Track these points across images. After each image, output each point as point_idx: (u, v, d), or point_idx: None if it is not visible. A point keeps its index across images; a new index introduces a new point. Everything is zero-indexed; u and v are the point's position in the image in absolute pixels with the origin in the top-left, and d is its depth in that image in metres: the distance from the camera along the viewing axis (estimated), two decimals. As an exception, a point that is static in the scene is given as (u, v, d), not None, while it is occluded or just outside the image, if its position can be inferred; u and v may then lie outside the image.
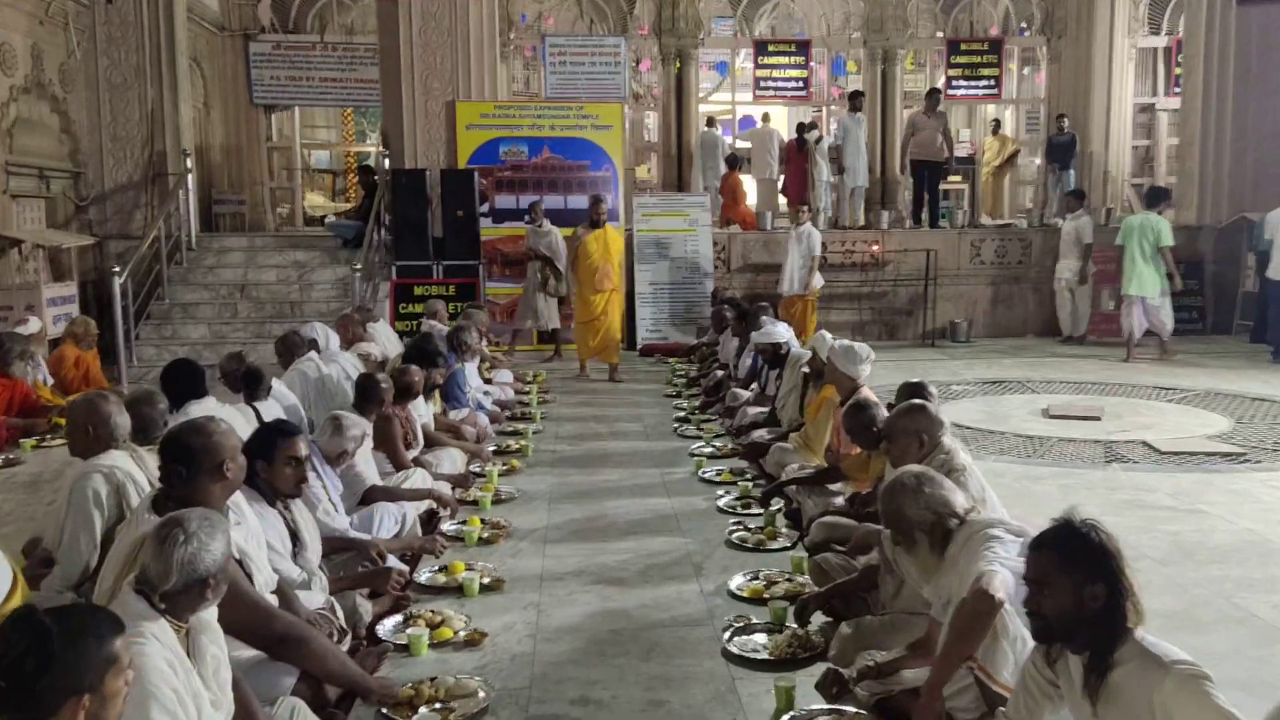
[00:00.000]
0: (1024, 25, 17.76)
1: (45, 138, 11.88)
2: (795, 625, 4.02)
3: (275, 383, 6.34)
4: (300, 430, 4.01)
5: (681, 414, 8.65)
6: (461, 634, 4.10)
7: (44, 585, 3.94)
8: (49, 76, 11.87)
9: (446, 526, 5.54)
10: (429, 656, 3.95)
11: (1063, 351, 12.33)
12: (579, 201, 12.59)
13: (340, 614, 3.79)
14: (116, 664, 2.17)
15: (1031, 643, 2.62)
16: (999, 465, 6.85)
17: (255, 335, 11.34)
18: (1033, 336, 13.53)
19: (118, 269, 10.78)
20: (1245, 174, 13.61)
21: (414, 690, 3.53)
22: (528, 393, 9.53)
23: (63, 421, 5.73)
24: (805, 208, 12.32)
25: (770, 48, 16.59)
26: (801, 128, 14.40)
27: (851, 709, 3.29)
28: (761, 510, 5.72)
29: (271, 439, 3.94)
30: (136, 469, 4.07)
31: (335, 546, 4.35)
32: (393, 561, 4.57)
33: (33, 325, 8.85)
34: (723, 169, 14.98)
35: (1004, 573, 2.77)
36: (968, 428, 7.95)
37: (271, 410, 5.95)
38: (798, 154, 14.11)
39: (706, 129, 15.77)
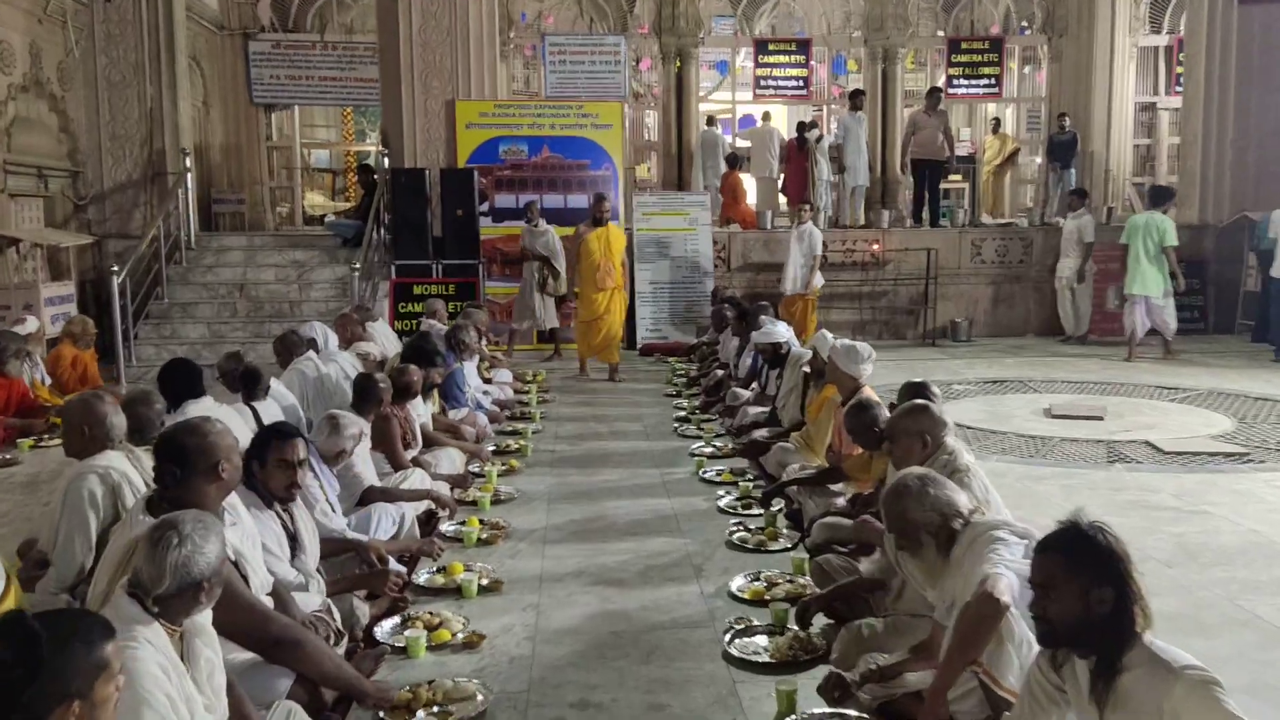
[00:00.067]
0: (1025, 24, 17.72)
1: (44, 136, 11.85)
2: (796, 627, 3.99)
3: (273, 382, 6.30)
4: (298, 433, 3.96)
5: (682, 414, 8.62)
6: (460, 636, 4.06)
7: (39, 587, 3.91)
8: (47, 75, 11.84)
9: (445, 527, 5.51)
10: (427, 659, 3.91)
11: (1064, 351, 12.30)
12: (579, 201, 12.57)
13: (337, 616, 3.75)
14: (107, 670, 2.14)
15: (1037, 647, 2.58)
16: (1001, 465, 6.82)
17: (254, 335, 11.32)
18: (1033, 336, 13.49)
19: (116, 268, 10.76)
20: (1247, 173, 13.58)
21: (411, 693, 3.49)
22: (527, 392, 9.50)
23: (60, 421, 5.70)
24: (807, 206, 12.28)
25: (770, 46, 16.55)
26: (802, 127, 14.36)
27: (854, 713, 3.25)
28: (762, 511, 5.68)
29: (266, 440, 3.90)
30: (132, 469, 4.04)
31: (333, 548, 4.31)
32: (390, 563, 4.53)
33: (30, 325, 8.81)
34: (723, 168, 14.96)
35: (1009, 575, 2.73)
36: (969, 427, 7.92)
37: (269, 410, 5.92)
38: (798, 153, 14.06)
39: (707, 128, 15.73)
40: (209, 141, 15.33)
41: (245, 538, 3.34)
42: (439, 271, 12.19)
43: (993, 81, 16.73)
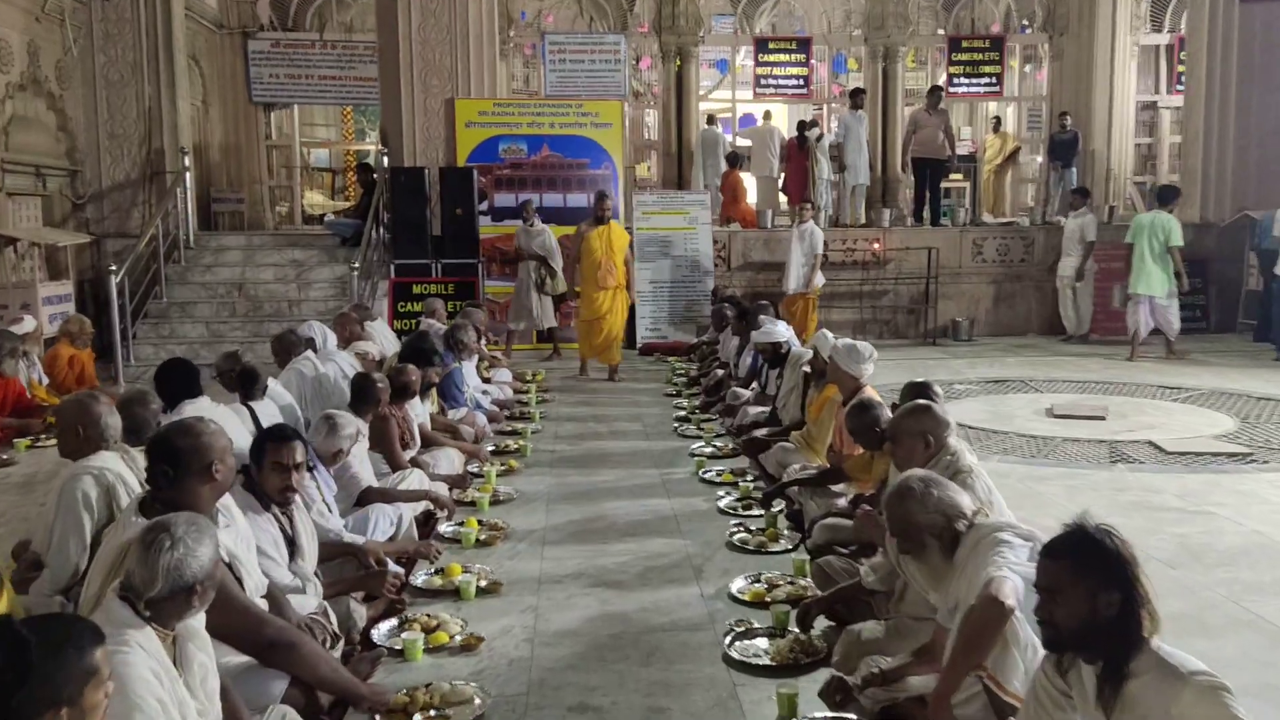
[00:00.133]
0: (1026, 23, 17.69)
1: (42, 135, 11.81)
2: (798, 630, 3.95)
3: (271, 382, 6.27)
4: (296, 436, 3.91)
5: (682, 413, 8.58)
6: (457, 638, 4.03)
7: (33, 589, 3.88)
8: (45, 73, 11.80)
9: (443, 528, 5.48)
10: (424, 662, 3.88)
11: (1066, 350, 12.26)
12: (578, 200, 12.54)
13: (333, 619, 3.71)
14: (96, 676, 2.10)
15: (1042, 651, 2.54)
16: (1003, 466, 6.78)
17: (253, 334, 11.28)
18: (1035, 335, 13.46)
19: (114, 267, 10.73)
20: (1248, 171, 13.55)
21: (408, 697, 3.46)
22: (526, 392, 9.46)
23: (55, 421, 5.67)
24: (808, 205, 12.25)
25: (771, 45, 16.50)
26: (802, 125, 14.32)
27: (855, 717, 3.22)
28: (763, 512, 5.65)
29: (262, 443, 3.87)
30: (127, 470, 4.00)
31: (330, 553, 4.27)
32: (388, 564, 4.49)
33: (27, 324, 8.77)
34: (723, 167, 14.92)
35: (1014, 578, 2.69)
36: (971, 427, 7.88)
37: (267, 410, 5.88)
38: (798, 152, 14.03)
39: (707, 127, 15.69)
40: (208, 140, 15.29)
41: (239, 540, 3.30)
42: (438, 271, 12.15)
43: (993, 80, 16.69)
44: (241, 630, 3.02)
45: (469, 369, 8.39)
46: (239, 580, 3.09)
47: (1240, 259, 13.37)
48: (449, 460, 6.50)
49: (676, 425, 8.20)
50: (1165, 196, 11.83)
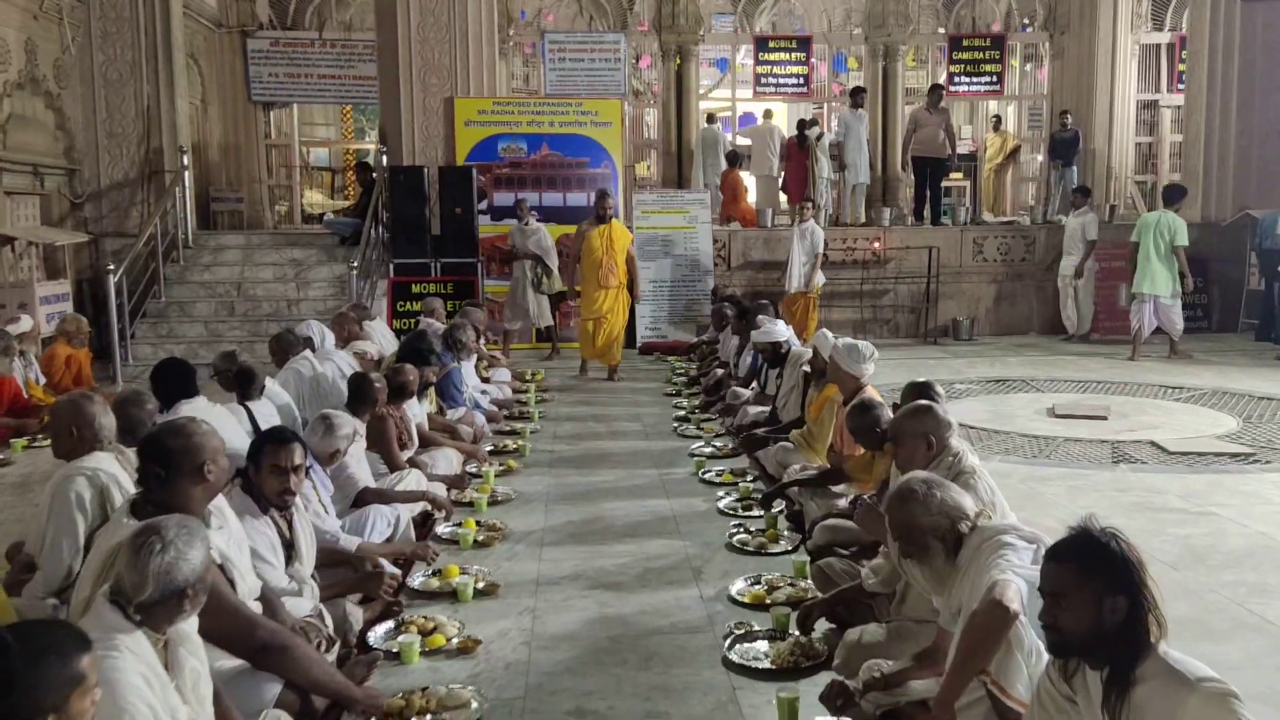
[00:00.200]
0: (1026, 21, 17.65)
1: (39, 134, 11.77)
2: (798, 632, 3.91)
3: (268, 381, 6.23)
4: (295, 438, 3.87)
5: (681, 413, 8.55)
6: (454, 641, 3.99)
7: (26, 591, 3.84)
8: (43, 72, 11.76)
9: (441, 529, 5.44)
10: (420, 665, 3.84)
11: (1067, 350, 12.22)
12: (578, 199, 12.51)
13: (329, 621, 3.67)
14: (83, 683, 2.06)
15: (1046, 656, 2.50)
16: (1005, 466, 6.74)
17: (252, 334, 11.24)
18: (1036, 334, 13.43)
19: (113, 267, 10.69)
20: (1249, 171, 13.51)
21: (404, 701, 3.42)
22: (525, 391, 9.42)
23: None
24: (809, 204, 12.22)
25: (771, 44, 16.45)
26: (803, 124, 14.29)
27: (857, 722, 3.18)
28: (762, 512, 5.61)
29: (260, 445, 3.83)
30: (121, 471, 3.96)
31: (332, 560, 4.22)
32: (385, 565, 4.45)
33: (24, 324, 8.73)
34: (723, 166, 14.87)
35: (1017, 582, 2.65)
36: (972, 427, 7.84)
37: (264, 410, 5.85)
38: (799, 151, 14.00)
39: (707, 126, 15.64)
40: (207, 140, 15.25)
41: (232, 542, 3.26)
42: (437, 270, 12.10)
43: (994, 79, 16.63)
44: (233, 633, 2.98)
45: (468, 369, 8.35)
46: (231, 582, 3.05)
47: (1242, 258, 13.33)
48: (447, 460, 6.46)
49: (676, 425, 8.16)
50: (1171, 196, 11.76)
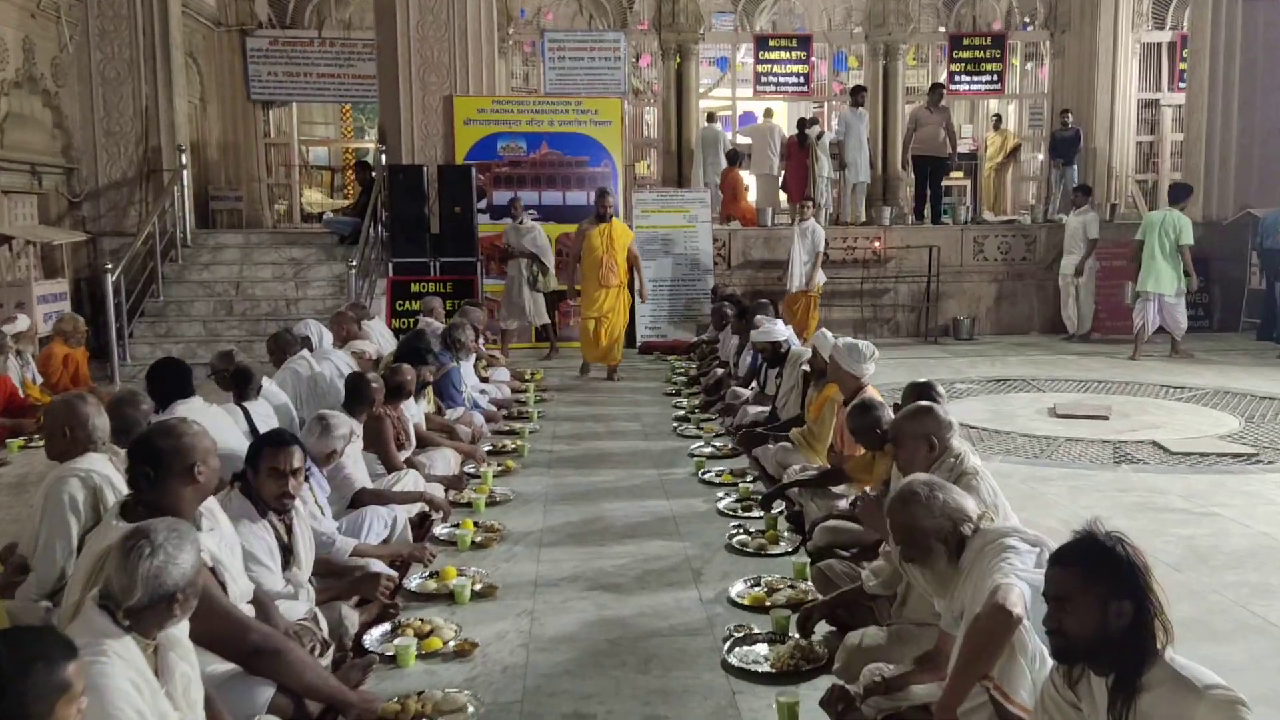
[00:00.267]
0: (1027, 20, 17.61)
1: (37, 133, 11.73)
2: (798, 635, 3.87)
3: (265, 381, 6.19)
4: (294, 441, 3.83)
5: (681, 413, 8.51)
6: (451, 644, 3.95)
7: (19, 593, 3.81)
8: (41, 70, 11.72)
9: (439, 530, 5.40)
10: (417, 668, 3.80)
11: (1068, 349, 12.19)
12: (577, 197, 12.47)
13: (324, 625, 3.63)
14: (68, 692, 2.03)
15: (1050, 661, 2.47)
16: (1006, 466, 6.71)
17: (250, 333, 11.20)
18: (1037, 334, 13.39)
19: (110, 266, 10.65)
20: (1251, 170, 13.46)
21: (399, 705, 3.38)
22: (524, 391, 9.38)
23: (46, 422, 5.59)
24: (809, 203, 12.18)
25: (771, 43, 16.41)
26: (803, 123, 14.26)
27: (857, 727, 3.14)
28: (762, 513, 5.57)
29: (259, 448, 3.79)
30: (115, 472, 3.92)
31: (329, 571, 4.17)
32: (381, 566, 4.41)
33: (21, 323, 8.68)
34: (723, 165, 14.84)
35: (1021, 585, 2.61)
36: (973, 427, 7.81)
37: (261, 410, 5.81)
38: (799, 150, 13.98)
39: (707, 124, 15.61)
40: (206, 138, 15.21)
41: (224, 544, 3.22)
42: (436, 269, 12.06)
43: (995, 78, 16.59)
44: (225, 636, 2.94)
45: (467, 368, 8.31)
46: (223, 585, 3.01)
47: (1243, 258, 13.28)
48: (445, 461, 6.42)
49: (676, 425, 8.12)
50: (1177, 195, 11.71)
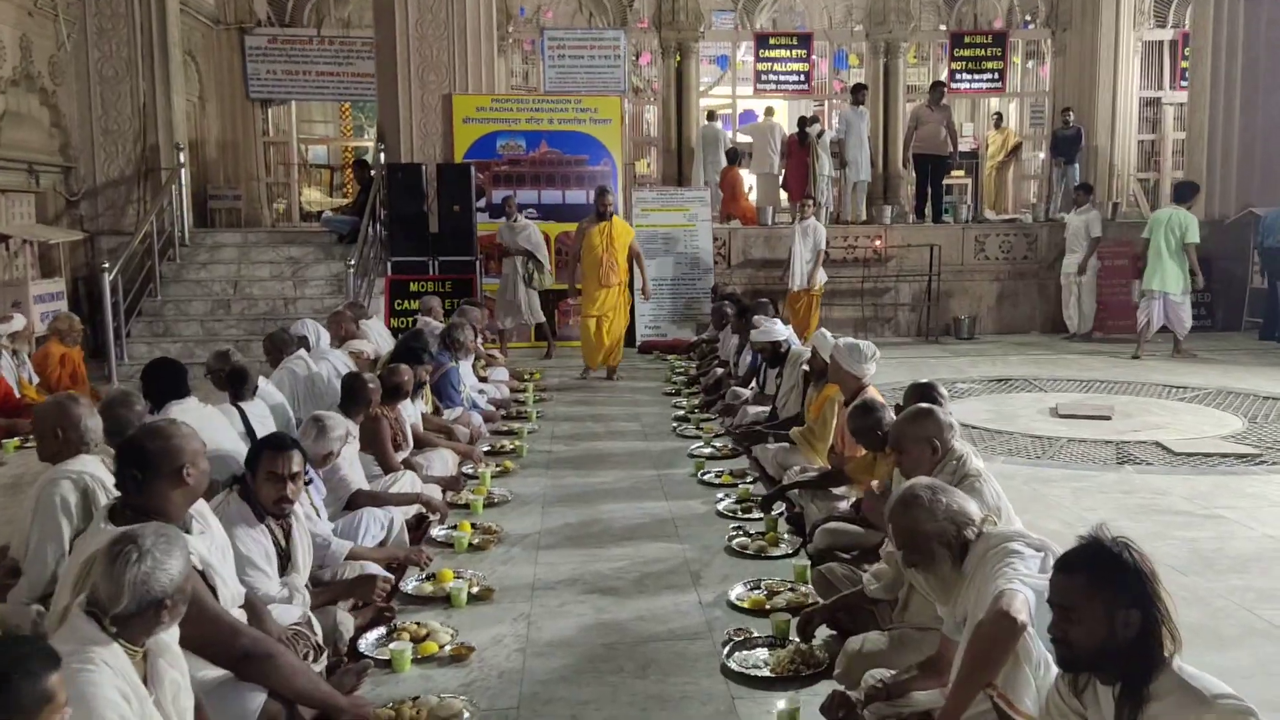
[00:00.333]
0: (1028, 18, 17.57)
1: (35, 131, 11.68)
2: (798, 639, 3.82)
3: (262, 381, 6.14)
4: (293, 445, 3.78)
5: (680, 413, 8.46)
6: (447, 648, 3.90)
7: (10, 596, 3.77)
8: (38, 69, 11.66)
9: (435, 532, 5.35)
10: (412, 673, 3.75)
11: (1070, 348, 12.13)
12: (577, 196, 12.43)
13: (318, 630, 3.58)
14: (51, 703, 1.98)
15: (1055, 669, 2.42)
16: (1008, 467, 6.65)
17: (248, 332, 11.15)
18: (1038, 333, 13.34)
19: (108, 265, 10.61)
20: (1253, 168, 13.40)
21: (394, 711, 3.33)
22: (523, 391, 9.33)
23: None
24: (810, 201, 12.13)
25: (771, 41, 16.35)
26: (803, 122, 14.21)
27: (859, 734, 3.09)
28: (762, 515, 5.52)
29: (258, 451, 3.75)
30: (107, 474, 3.87)
31: (339, 593, 4.12)
32: (377, 569, 4.37)
33: (17, 322, 8.64)
34: (723, 163, 14.79)
35: (1025, 591, 2.56)
36: (974, 427, 7.76)
37: (257, 410, 5.76)
38: (799, 148, 13.93)
39: (707, 123, 15.57)
40: (205, 137, 15.16)
41: (214, 546, 3.16)
42: (435, 268, 12.01)
43: (996, 76, 16.54)
44: (215, 641, 2.89)
45: (465, 368, 8.26)
46: (213, 589, 2.95)
47: (1245, 257, 13.23)
48: (442, 462, 6.37)
49: (675, 425, 8.07)
50: (1182, 193, 11.64)
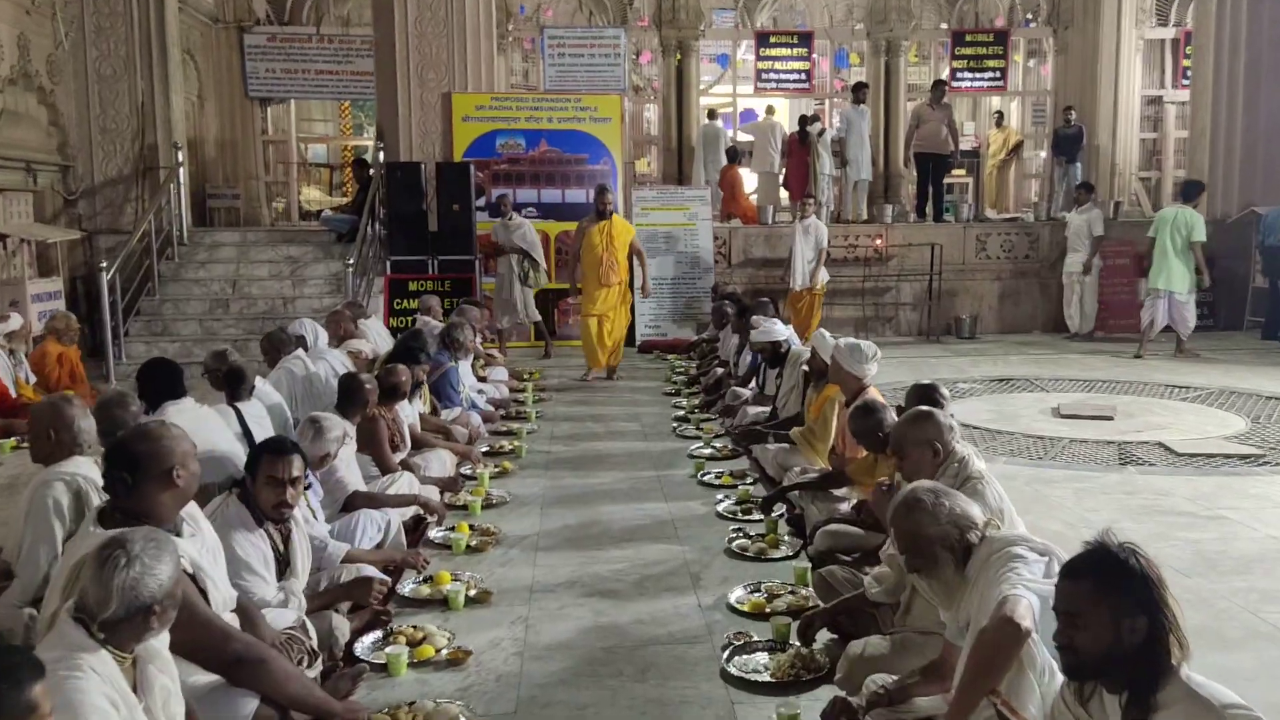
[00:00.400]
0: (1030, 16, 17.51)
1: (33, 130, 11.64)
2: (799, 644, 3.78)
3: (259, 381, 6.09)
4: (293, 449, 3.74)
5: (680, 413, 8.41)
6: (444, 652, 3.86)
7: (2, 599, 3.73)
8: (36, 67, 11.62)
9: (433, 533, 5.31)
10: (408, 677, 3.71)
11: (1072, 348, 12.09)
12: (576, 195, 12.39)
13: (313, 634, 3.53)
14: (35, 712, 1.94)
15: (1060, 676, 2.38)
16: (1010, 468, 6.61)
17: (247, 332, 11.11)
18: (1040, 333, 13.30)
19: (106, 264, 10.56)
20: (1255, 167, 13.34)
21: (389, 716, 3.30)
22: (522, 390, 9.29)
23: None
24: (810, 200, 12.09)
25: (772, 39, 16.32)
26: (804, 120, 14.17)
27: (860, 740, 3.05)
28: (763, 516, 5.48)
29: (258, 455, 3.71)
30: (101, 476, 3.84)
31: (335, 597, 4.08)
32: (373, 571, 4.32)
33: (14, 322, 8.60)
34: (724, 162, 14.75)
35: (1029, 597, 2.52)
36: (976, 427, 7.72)
37: (254, 410, 5.71)
38: (800, 147, 13.89)
39: (708, 122, 15.52)
40: (203, 136, 15.13)
41: (205, 550, 3.11)
42: (435, 267, 11.96)
43: (997, 74, 16.50)
44: (206, 646, 2.85)
45: (465, 368, 8.22)
46: (204, 592, 2.91)
47: (1248, 256, 13.17)
48: (440, 462, 6.33)
49: (675, 425, 8.03)
50: (1188, 192, 11.58)
